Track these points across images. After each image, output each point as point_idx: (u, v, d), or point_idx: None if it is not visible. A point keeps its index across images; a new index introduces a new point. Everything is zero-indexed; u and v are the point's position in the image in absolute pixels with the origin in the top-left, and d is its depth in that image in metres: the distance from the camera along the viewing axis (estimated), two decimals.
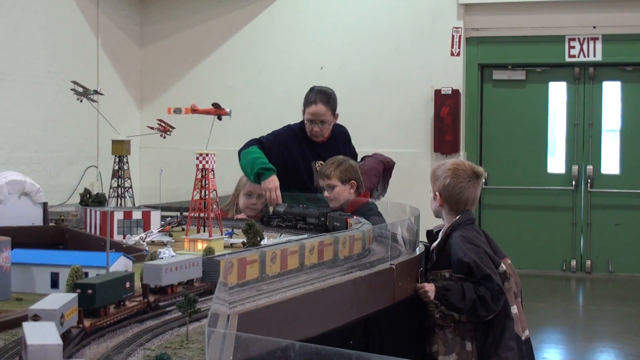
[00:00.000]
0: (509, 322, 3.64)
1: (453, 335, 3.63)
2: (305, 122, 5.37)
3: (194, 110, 3.98)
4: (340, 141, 5.56)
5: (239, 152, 5.28)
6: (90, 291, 2.13)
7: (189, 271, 2.52)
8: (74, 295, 2.04)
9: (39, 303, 1.91)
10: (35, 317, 1.88)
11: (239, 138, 5.72)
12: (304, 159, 5.39)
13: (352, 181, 4.67)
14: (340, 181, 4.64)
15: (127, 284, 2.29)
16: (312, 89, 5.46)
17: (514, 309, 3.71)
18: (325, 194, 4.67)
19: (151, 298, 2.34)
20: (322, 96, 5.35)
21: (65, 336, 1.90)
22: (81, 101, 4.33)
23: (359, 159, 5.68)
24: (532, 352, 3.82)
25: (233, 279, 2.40)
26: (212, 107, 4.00)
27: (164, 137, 4.43)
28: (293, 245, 2.82)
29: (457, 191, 3.77)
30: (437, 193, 3.79)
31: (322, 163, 5.20)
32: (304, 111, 5.42)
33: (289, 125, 5.57)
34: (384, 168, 5.56)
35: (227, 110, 3.95)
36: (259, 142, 5.30)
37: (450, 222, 3.77)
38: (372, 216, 4.25)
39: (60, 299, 1.95)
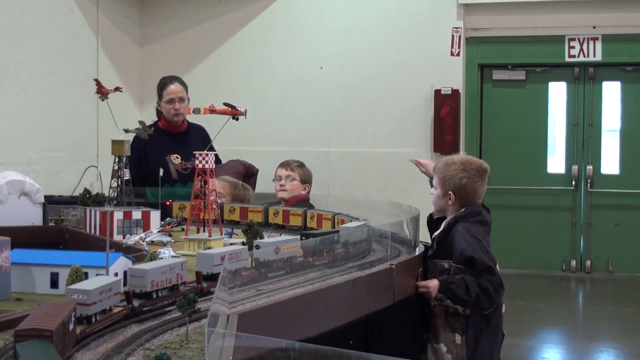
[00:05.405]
0: (500, 320, 3.76)
1: (444, 325, 3.66)
2: (165, 104, 5.93)
3: (212, 111, 4.07)
4: (197, 137, 6.07)
5: None
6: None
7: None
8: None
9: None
10: (257, 247, 2.69)
11: (239, 137, 5.78)
12: (158, 153, 5.89)
13: (306, 184, 5.45)
14: (300, 179, 5.41)
15: (335, 237, 3.09)
16: (162, 78, 6.13)
17: (504, 308, 3.81)
18: (282, 182, 5.36)
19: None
20: (175, 79, 6.07)
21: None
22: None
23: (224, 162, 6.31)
24: None
25: None
26: (225, 107, 4.07)
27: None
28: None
29: (472, 190, 3.82)
30: (450, 193, 3.80)
31: (178, 156, 5.90)
32: (161, 97, 5.99)
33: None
34: (245, 171, 6.22)
35: (242, 110, 4.09)
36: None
37: (455, 213, 3.80)
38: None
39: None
